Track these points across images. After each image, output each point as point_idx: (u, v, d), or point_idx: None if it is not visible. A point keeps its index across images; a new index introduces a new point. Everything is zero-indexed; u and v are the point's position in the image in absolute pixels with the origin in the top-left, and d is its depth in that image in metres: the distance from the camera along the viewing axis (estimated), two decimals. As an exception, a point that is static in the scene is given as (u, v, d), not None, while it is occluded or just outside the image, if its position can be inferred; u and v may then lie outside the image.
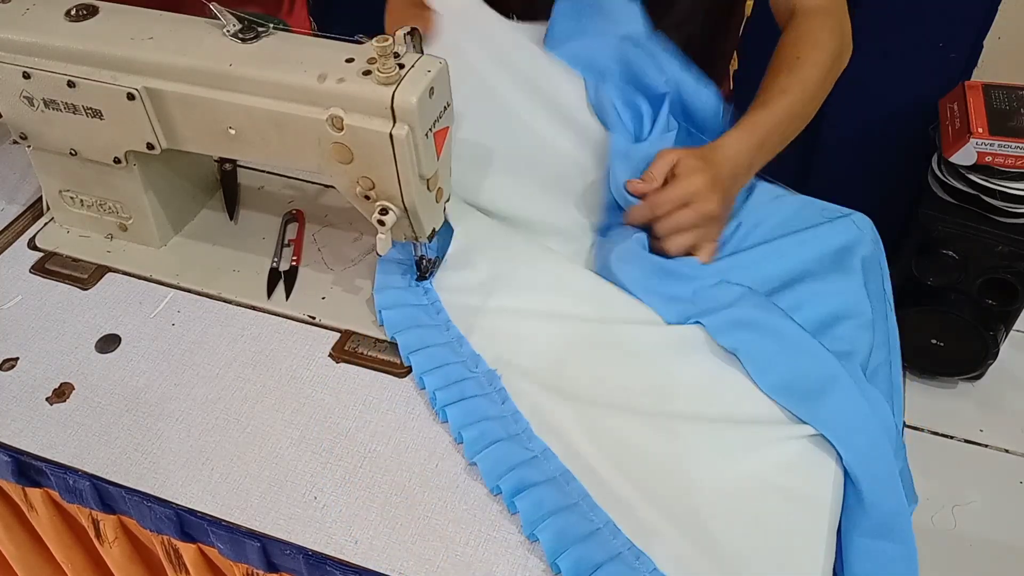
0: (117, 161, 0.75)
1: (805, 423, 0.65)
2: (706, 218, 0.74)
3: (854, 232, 0.79)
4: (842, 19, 0.85)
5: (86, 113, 0.72)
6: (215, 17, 0.68)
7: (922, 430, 1.52)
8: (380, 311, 0.73)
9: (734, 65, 1.11)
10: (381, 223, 0.68)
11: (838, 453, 0.64)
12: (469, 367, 0.69)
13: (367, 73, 0.63)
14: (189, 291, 0.79)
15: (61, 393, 0.71)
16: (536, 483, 0.61)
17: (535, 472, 0.62)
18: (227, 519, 0.62)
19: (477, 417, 0.65)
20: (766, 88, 0.80)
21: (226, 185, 0.88)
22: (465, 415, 0.65)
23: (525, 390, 0.68)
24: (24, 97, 0.73)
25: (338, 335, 0.74)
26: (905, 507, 0.64)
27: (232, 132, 0.69)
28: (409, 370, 0.71)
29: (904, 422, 1.57)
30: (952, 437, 1.51)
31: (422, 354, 0.69)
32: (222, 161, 0.89)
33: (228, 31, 0.68)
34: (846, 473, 0.64)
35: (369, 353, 0.72)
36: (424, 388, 0.68)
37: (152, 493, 0.64)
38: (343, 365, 0.72)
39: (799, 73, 0.80)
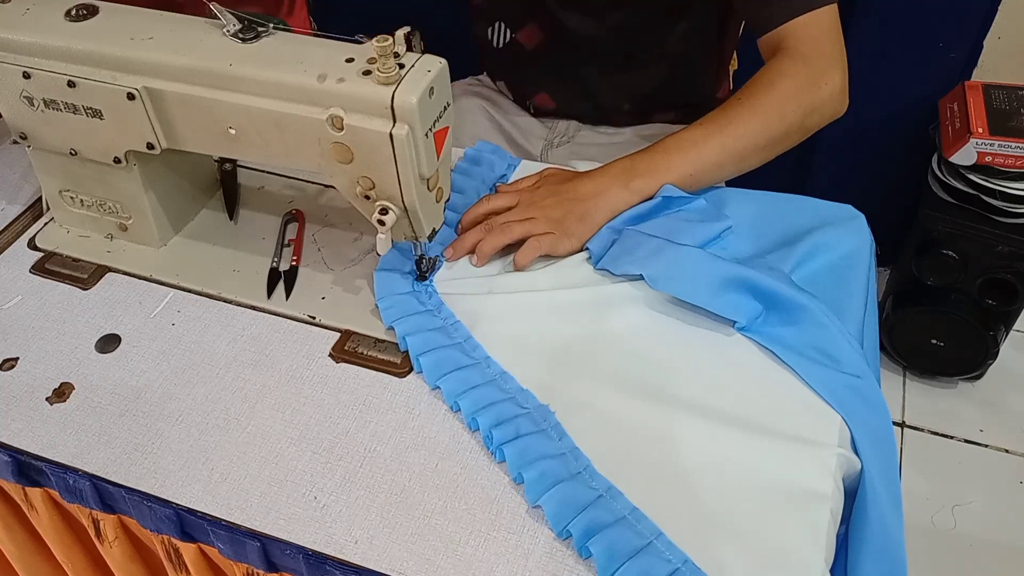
0: (117, 161, 0.75)
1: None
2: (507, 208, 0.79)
3: (854, 244, 0.79)
4: (823, 72, 0.80)
5: (86, 113, 0.72)
6: (215, 17, 0.68)
7: (922, 430, 1.52)
8: (402, 337, 0.71)
9: (734, 65, 1.12)
10: (381, 223, 0.68)
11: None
12: (520, 403, 0.67)
13: (367, 73, 0.63)
14: (189, 291, 0.79)
15: (61, 393, 0.71)
16: (607, 524, 0.58)
17: (604, 512, 0.59)
18: (227, 519, 0.62)
19: (536, 456, 0.62)
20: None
21: (226, 185, 0.88)
22: (523, 454, 0.63)
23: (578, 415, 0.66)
24: (24, 97, 0.73)
25: (338, 335, 0.74)
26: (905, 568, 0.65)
27: (232, 132, 0.69)
28: (409, 370, 0.71)
29: (904, 422, 1.58)
30: (952, 437, 1.51)
31: (468, 397, 0.67)
32: (222, 161, 0.89)
33: (228, 31, 0.68)
34: (847, 544, 0.65)
35: (369, 353, 0.72)
36: (477, 429, 0.66)
37: (152, 493, 0.64)
38: (343, 365, 0.72)
39: (731, 108, 0.79)
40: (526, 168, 0.90)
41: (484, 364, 0.70)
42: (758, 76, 0.81)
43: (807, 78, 0.79)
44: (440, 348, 0.70)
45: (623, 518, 0.59)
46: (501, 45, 1.06)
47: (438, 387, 0.68)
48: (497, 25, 1.05)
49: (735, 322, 0.71)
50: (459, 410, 0.67)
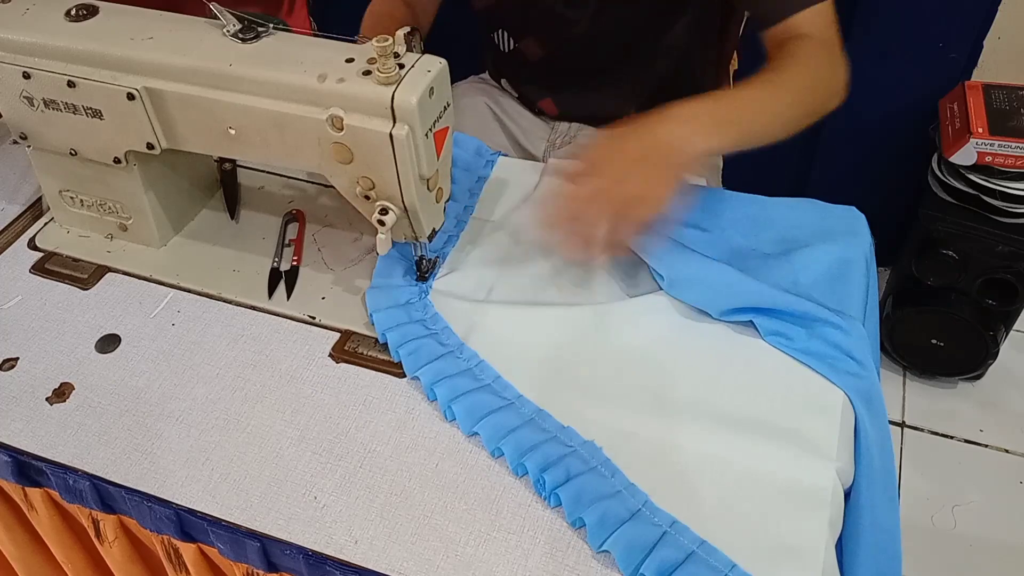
0: (117, 161, 0.75)
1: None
2: (587, 201, 0.70)
3: (854, 244, 0.79)
4: (840, 62, 0.82)
5: (86, 113, 0.72)
6: (215, 17, 0.68)
7: (922, 430, 1.52)
8: (429, 387, 0.68)
9: (734, 65, 1.12)
10: (381, 223, 0.68)
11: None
12: (564, 441, 0.64)
13: (367, 73, 0.63)
14: (189, 291, 0.79)
15: (61, 393, 0.71)
16: (679, 562, 0.57)
17: (674, 551, 0.58)
18: (227, 519, 0.62)
19: (593, 497, 0.60)
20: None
21: (226, 185, 0.88)
22: (579, 497, 0.60)
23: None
24: (24, 97, 0.73)
25: (338, 335, 0.74)
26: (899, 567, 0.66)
27: (232, 132, 0.69)
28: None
29: (904, 422, 1.58)
30: (952, 437, 1.51)
31: (510, 441, 0.64)
32: (222, 161, 0.89)
33: (228, 31, 0.68)
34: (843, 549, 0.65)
35: (369, 353, 0.72)
36: (525, 474, 0.63)
37: (152, 493, 0.64)
38: (343, 365, 0.72)
39: (773, 74, 0.79)
40: (503, 164, 0.89)
41: (518, 404, 0.67)
42: (794, 52, 0.81)
43: (833, 65, 0.82)
44: (470, 392, 0.67)
45: (693, 553, 0.58)
46: (507, 51, 1.07)
47: (476, 433, 0.66)
48: (501, 32, 1.06)
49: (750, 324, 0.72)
50: (502, 455, 0.64)
